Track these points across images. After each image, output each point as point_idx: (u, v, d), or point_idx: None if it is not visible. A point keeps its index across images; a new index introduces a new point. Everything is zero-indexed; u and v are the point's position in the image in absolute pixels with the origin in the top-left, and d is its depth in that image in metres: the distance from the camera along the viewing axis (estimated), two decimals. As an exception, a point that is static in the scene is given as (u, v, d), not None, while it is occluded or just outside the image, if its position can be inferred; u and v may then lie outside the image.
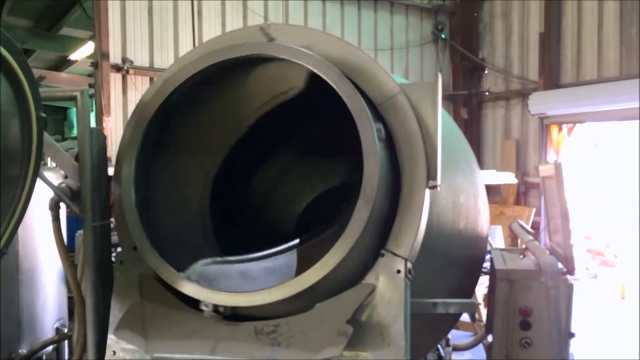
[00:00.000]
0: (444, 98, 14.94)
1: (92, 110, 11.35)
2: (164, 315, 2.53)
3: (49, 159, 5.44)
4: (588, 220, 13.86)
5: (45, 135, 2.63)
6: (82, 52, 15.17)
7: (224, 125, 2.96)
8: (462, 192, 3.18)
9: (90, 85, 11.55)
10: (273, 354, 2.36)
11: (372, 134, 2.32)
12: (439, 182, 2.50)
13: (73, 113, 16.51)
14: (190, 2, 11.90)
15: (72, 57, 15.89)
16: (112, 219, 2.96)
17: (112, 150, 8.87)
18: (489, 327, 3.62)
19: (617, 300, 10.66)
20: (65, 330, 4.67)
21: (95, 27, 11.09)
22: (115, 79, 11.27)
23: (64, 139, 19.10)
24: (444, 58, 15.55)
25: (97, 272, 2.98)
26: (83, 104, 3.03)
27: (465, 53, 15.23)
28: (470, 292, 3.55)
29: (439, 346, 4.18)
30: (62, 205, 3.09)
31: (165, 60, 11.55)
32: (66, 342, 4.71)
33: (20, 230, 3.98)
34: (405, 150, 2.52)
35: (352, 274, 2.43)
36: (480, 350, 4.15)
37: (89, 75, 14.62)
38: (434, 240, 2.69)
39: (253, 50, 2.53)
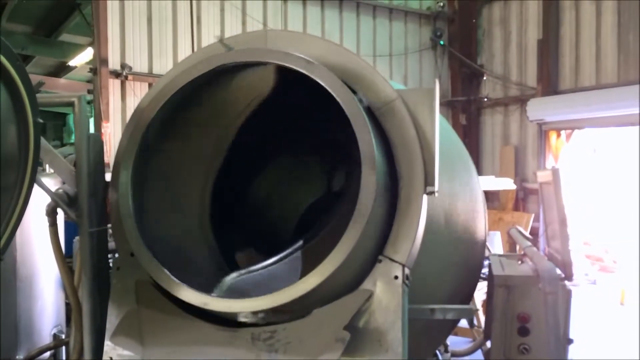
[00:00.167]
0: (442, 104, 15.02)
1: (91, 116, 11.36)
2: (160, 321, 2.52)
3: (47, 165, 5.44)
4: (587, 226, 13.87)
5: (43, 141, 2.63)
6: (82, 58, 15.19)
7: (214, 129, 2.96)
8: (459, 197, 3.18)
9: (89, 91, 11.52)
10: (270, 360, 2.36)
11: (369, 140, 2.32)
12: (436, 187, 2.50)
13: (72, 119, 16.52)
14: (189, 8, 11.93)
15: (72, 63, 15.91)
16: (110, 225, 2.95)
17: (111, 156, 8.86)
18: (488, 333, 3.61)
19: (616, 306, 10.65)
20: (63, 337, 4.65)
21: (95, 34, 11.10)
22: (114, 85, 11.27)
23: (62, 145, 19.07)
24: (443, 64, 15.58)
25: (94, 278, 2.98)
26: (80, 110, 3.03)
27: (463, 59, 15.26)
28: (468, 298, 3.54)
29: (438, 352, 4.17)
30: (60, 212, 3.09)
31: (164, 66, 11.56)
32: (63, 348, 4.69)
33: (18, 236, 3.98)
34: (402, 156, 2.52)
35: (350, 279, 2.42)
36: (479, 356, 4.14)
37: (88, 81, 14.63)
38: (432, 246, 2.69)
39: (252, 57, 2.54)
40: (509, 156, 14.43)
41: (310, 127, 3.29)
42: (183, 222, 2.96)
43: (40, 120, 2.47)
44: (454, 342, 5.50)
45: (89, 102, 11.10)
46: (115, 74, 11.22)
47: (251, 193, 3.52)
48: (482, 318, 6.20)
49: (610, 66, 12.32)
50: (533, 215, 12.97)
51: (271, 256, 3.03)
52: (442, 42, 15.38)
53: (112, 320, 2.58)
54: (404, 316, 2.38)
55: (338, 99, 2.38)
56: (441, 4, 15.40)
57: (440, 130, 2.60)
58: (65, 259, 3.16)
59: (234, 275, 2.82)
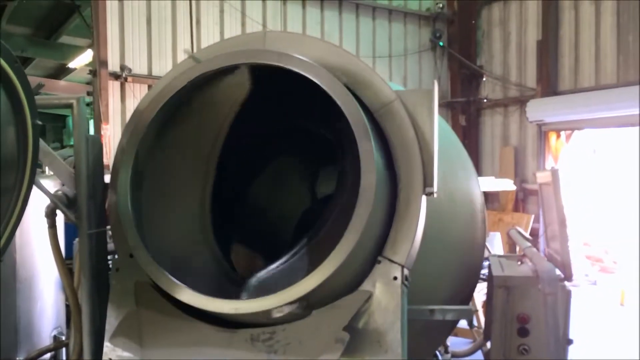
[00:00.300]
0: (442, 105, 15.02)
1: (91, 118, 11.36)
2: (160, 322, 2.52)
3: (47, 167, 5.43)
4: (587, 226, 13.86)
5: (42, 142, 2.63)
6: (81, 60, 15.19)
7: (207, 130, 2.95)
8: (459, 198, 3.18)
9: (89, 93, 11.54)
10: (269, 361, 2.36)
11: (369, 142, 2.33)
12: (435, 188, 2.50)
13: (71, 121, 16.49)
14: (188, 10, 11.94)
15: (71, 65, 15.90)
16: (109, 227, 2.95)
17: (111, 157, 8.85)
18: (488, 334, 3.61)
19: (616, 306, 10.64)
20: (63, 338, 4.65)
21: (94, 35, 11.10)
22: (113, 86, 11.28)
23: (62, 147, 19.08)
24: (442, 65, 15.59)
25: (93, 280, 2.98)
26: (79, 112, 3.03)
27: (463, 60, 15.27)
28: (467, 299, 3.54)
29: (438, 353, 4.17)
30: (60, 213, 3.09)
31: (163, 68, 11.56)
32: (63, 349, 4.69)
33: (17, 238, 3.99)
34: (401, 157, 2.53)
35: (349, 280, 2.42)
36: (479, 357, 4.14)
37: (88, 83, 14.65)
38: (431, 247, 2.69)
39: (251, 59, 2.54)
40: (508, 157, 14.43)
41: (310, 129, 3.30)
42: (183, 223, 2.96)
43: (39, 122, 2.48)
44: (454, 342, 5.50)
45: (88, 104, 11.11)
46: (115, 76, 11.22)
47: (251, 193, 3.52)
48: (483, 319, 6.20)
49: (610, 67, 12.33)
50: (533, 216, 12.97)
51: (271, 256, 3.03)
52: (441, 43, 15.39)
53: (112, 321, 2.58)
54: (403, 317, 2.38)
55: (337, 101, 2.39)
56: (440, 5, 15.41)
57: (439, 131, 2.60)
58: (64, 260, 3.15)
59: (261, 273, 2.84)
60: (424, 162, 2.51)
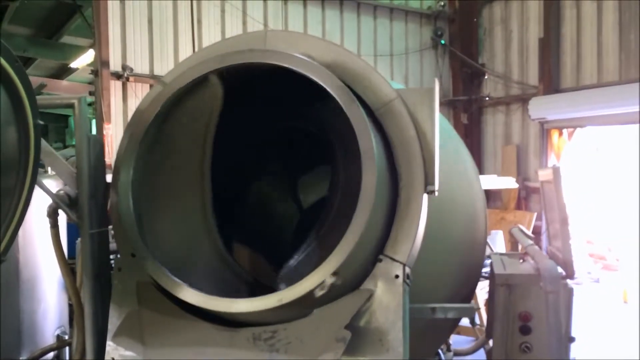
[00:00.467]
0: (443, 104, 14.99)
1: (93, 118, 11.37)
2: (161, 322, 2.53)
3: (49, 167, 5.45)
4: (590, 224, 13.84)
5: (43, 142, 2.63)
6: (83, 60, 15.21)
7: (195, 138, 2.92)
8: (460, 196, 3.18)
9: (91, 93, 11.54)
10: (271, 360, 2.36)
11: (370, 141, 2.33)
12: (436, 187, 2.51)
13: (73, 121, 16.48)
14: (190, 10, 11.94)
15: (73, 65, 15.93)
16: (111, 227, 2.96)
17: (113, 157, 8.83)
18: (490, 332, 3.61)
19: (619, 304, 10.64)
20: (66, 337, 4.66)
21: (96, 35, 11.11)
22: (115, 86, 11.29)
23: (65, 147, 19.10)
24: (444, 64, 15.57)
25: (95, 279, 2.98)
26: (80, 112, 3.03)
27: (465, 59, 15.24)
28: (469, 297, 3.54)
29: (440, 351, 4.17)
30: (62, 213, 3.09)
31: (165, 67, 11.56)
32: (67, 348, 4.70)
33: (20, 238, 4.00)
34: (402, 155, 2.53)
35: (350, 279, 2.42)
36: (481, 356, 4.14)
37: (90, 83, 14.64)
38: (432, 245, 2.69)
39: (251, 58, 2.54)
40: (511, 155, 14.42)
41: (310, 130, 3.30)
42: (185, 222, 2.96)
43: (41, 122, 2.48)
44: (457, 341, 5.50)
45: (90, 104, 11.12)
46: (117, 76, 11.23)
47: (251, 193, 3.52)
48: (485, 317, 6.19)
49: (612, 64, 12.30)
50: (535, 214, 12.96)
51: (272, 256, 3.03)
52: (443, 42, 15.36)
53: (114, 320, 2.59)
54: (404, 315, 2.38)
55: (338, 99, 2.39)
56: (442, 3, 15.39)
57: (441, 129, 2.60)
58: (66, 260, 3.16)
59: (290, 262, 2.89)
60: (425, 160, 2.51)
